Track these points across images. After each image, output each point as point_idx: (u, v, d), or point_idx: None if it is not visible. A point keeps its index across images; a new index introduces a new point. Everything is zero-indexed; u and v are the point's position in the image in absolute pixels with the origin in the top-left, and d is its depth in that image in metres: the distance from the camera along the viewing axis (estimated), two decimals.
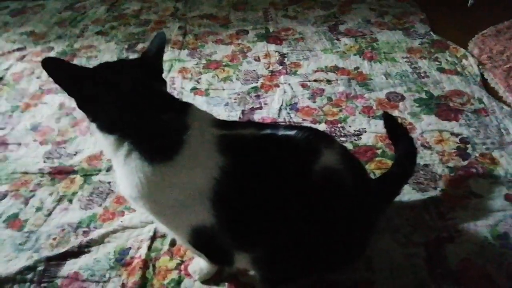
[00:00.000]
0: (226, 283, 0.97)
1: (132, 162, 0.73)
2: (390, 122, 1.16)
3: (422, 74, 1.56)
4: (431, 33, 1.80)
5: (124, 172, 0.76)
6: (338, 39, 1.82)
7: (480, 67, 1.57)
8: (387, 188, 1.03)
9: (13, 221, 1.16)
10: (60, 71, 0.74)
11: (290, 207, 0.76)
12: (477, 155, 1.21)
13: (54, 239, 1.10)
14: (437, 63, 1.61)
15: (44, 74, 1.75)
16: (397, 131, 1.13)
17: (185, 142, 0.73)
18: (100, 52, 1.88)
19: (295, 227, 0.77)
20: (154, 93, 0.78)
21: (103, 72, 0.78)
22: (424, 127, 1.33)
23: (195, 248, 0.85)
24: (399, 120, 1.28)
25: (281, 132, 0.80)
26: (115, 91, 0.75)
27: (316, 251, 0.80)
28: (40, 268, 1.03)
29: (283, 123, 1.38)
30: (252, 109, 1.47)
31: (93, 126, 0.78)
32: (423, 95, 1.46)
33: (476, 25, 1.79)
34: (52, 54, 1.90)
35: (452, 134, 1.29)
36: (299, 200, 0.75)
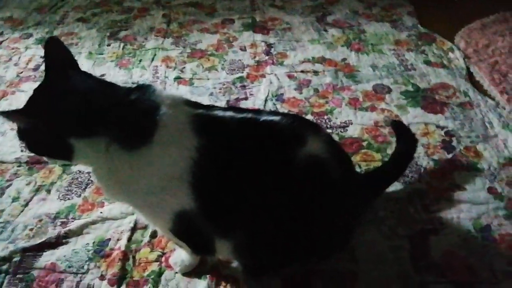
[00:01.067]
0: (208, 275, 0.95)
1: (112, 155, 0.71)
2: (399, 127, 1.17)
3: (409, 67, 1.55)
4: (419, 25, 1.80)
5: (105, 170, 0.74)
6: (325, 30, 1.80)
7: (466, 60, 1.57)
8: (376, 182, 1.04)
9: None
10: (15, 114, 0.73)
11: (270, 192, 0.74)
12: (461, 148, 1.22)
13: (31, 229, 1.07)
14: (424, 55, 1.61)
15: (22, 61, 1.69)
16: (403, 132, 1.14)
17: (158, 124, 0.71)
18: (81, 39, 1.82)
19: (275, 213, 0.75)
20: (103, 83, 0.78)
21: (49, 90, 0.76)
22: (410, 119, 1.32)
23: (176, 237, 0.83)
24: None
25: (264, 117, 0.78)
26: (74, 92, 0.73)
27: (297, 239, 0.79)
28: (16, 259, 1.00)
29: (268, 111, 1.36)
30: (238, 100, 1.44)
31: (73, 141, 0.72)
32: (410, 88, 1.45)
33: (463, 18, 1.80)
34: (31, 40, 1.83)
35: (438, 127, 1.29)
36: (280, 186, 0.74)
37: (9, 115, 0.74)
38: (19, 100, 1.50)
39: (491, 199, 1.07)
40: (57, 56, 0.78)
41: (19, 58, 1.71)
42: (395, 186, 1.10)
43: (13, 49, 1.78)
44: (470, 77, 1.50)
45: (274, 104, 1.41)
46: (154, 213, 0.80)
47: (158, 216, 0.80)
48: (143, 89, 0.76)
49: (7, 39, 1.84)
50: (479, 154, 1.19)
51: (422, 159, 1.19)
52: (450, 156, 1.19)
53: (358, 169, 1.16)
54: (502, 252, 0.95)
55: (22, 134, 0.77)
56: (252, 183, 0.74)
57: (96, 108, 0.71)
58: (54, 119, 0.71)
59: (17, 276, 0.97)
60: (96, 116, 0.71)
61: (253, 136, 0.76)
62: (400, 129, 1.17)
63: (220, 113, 0.78)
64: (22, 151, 1.29)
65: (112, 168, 0.73)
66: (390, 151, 1.21)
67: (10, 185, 1.19)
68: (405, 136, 1.13)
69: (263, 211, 0.75)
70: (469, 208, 1.05)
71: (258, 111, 0.87)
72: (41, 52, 1.74)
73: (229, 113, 0.78)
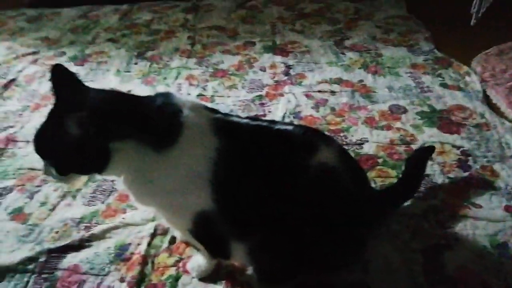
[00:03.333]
0: (224, 281, 0.97)
1: (144, 157, 0.76)
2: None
3: (425, 89, 1.58)
4: (435, 50, 1.83)
5: (136, 174, 0.78)
6: (343, 53, 1.85)
7: (482, 84, 1.59)
8: (391, 198, 1.05)
9: (18, 214, 1.18)
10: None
11: (283, 197, 0.77)
12: (478, 167, 1.22)
13: (57, 232, 1.12)
14: (440, 79, 1.64)
15: None
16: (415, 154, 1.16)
17: (183, 125, 0.76)
18: (111, 58, 1.93)
19: (289, 218, 0.77)
20: (119, 93, 0.84)
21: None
22: (426, 138, 1.34)
23: (195, 238, 0.86)
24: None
25: (278, 126, 0.82)
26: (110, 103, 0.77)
27: (310, 247, 0.81)
28: (42, 259, 1.04)
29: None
30: (257, 116, 1.49)
31: (112, 145, 0.75)
32: (426, 109, 1.48)
33: (480, 45, 1.83)
34: (64, 58, 1.95)
35: (454, 146, 1.30)
36: (293, 192, 0.77)
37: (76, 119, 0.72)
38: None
39: (508, 217, 1.07)
40: (64, 79, 0.80)
41: None
42: (410, 202, 1.11)
43: (47, 66, 1.89)
44: (486, 100, 1.51)
45: (292, 121, 1.45)
46: (176, 214, 0.84)
47: (180, 216, 0.83)
48: (164, 96, 0.81)
49: (42, 57, 1.97)
50: (495, 174, 1.20)
51: (438, 177, 1.20)
52: (466, 174, 1.20)
53: (373, 185, 1.18)
54: None
55: (55, 154, 0.79)
56: (266, 187, 0.77)
57: (127, 114, 0.76)
58: (102, 123, 0.73)
59: (42, 276, 1.01)
60: (128, 122, 0.76)
61: (268, 141, 0.80)
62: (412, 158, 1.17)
63: (236, 119, 0.83)
64: None
65: (142, 171, 0.77)
66: None
67: (39, 190, 1.25)
68: (415, 156, 1.15)
69: (275, 215, 0.78)
70: (485, 225, 1.05)
71: (272, 121, 0.91)
72: (73, 69, 1.84)
73: (245, 120, 0.83)
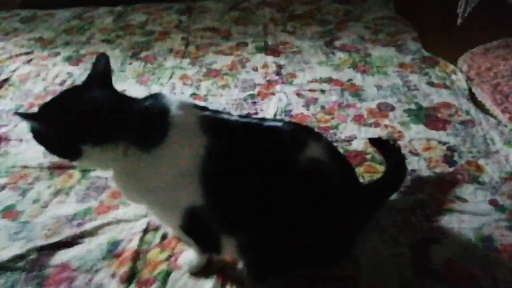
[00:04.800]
0: (215, 276, 0.98)
1: (131, 158, 0.78)
2: (378, 143, 1.24)
3: (412, 87, 1.61)
4: (422, 50, 1.87)
5: (123, 172, 0.80)
6: (333, 53, 1.88)
7: (468, 82, 1.62)
8: (377, 193, 1.08)
9: (10, 211, 1.18)
10: (32, 117, 0.79)
11: (271, 192, 0.78)
12: (463, 162, 1.25)
13: (49, 229, 1.12)
14: (427, 77, 1.67)
15: (49, 76, 1.81)
16: (386, 147, 1.20)
17: (170, 123, 0.77)
18: None
19: (279, 213, 0.79)
20: (121, 94, 0.85)
21: (68, 97, 0.83)
22: (413, 135, 1.37)
23: (185, 233, 0.87)
24: (387, 136, 1.36)
25: (268, 123, 0.84)
26: (90, 102, 0.79)
27: (299, 241, 0.82)
28: (32, 256, 1.05)
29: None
30: (249, 115, 1.51)
31: (87, 149, 0.78)
32: (413, 106, 1.51)
33: (466, 44, 1.86)
34: (59, 58, 1.96)
35: (440, 142, 1.33)
36: (281, 186, 0.78)
37: (23, 117, 0.79)
38: None
39: (493, 211, 1.09)
40: (99, 69, 0.86)
41: (47, 74, 1.84)
42: (397, 197, 1.14)
43: (41, 65, 1.90)
44: (472, 98, 1.55)
45: (283, 119, 1.48)
46: (166, 210, 0.85)
47: (170, 212, 0.85)
48: (154, 96, 0.83)
49: (36, 57, 1.98)
50: (480, 169, 1.22)
51: (424, 172, 1.22)
52: (451, 169, 1.23)
53: (361, 180, 1.20)
54: (505, 261, 0.96)
55: (34, 134, 0.82)
56: (254, 182, 0.78)
57: (111, 117, 0.78)
58: (63, 127, 0.77)
59: (33, 273, 1.01)
60: (111, 125, 0.78)
61: (256, 137, 0.81)
62: (380, 145, 1.23)
63: (226, 116, 0.84)
64: (44, 157, 1.37)
65: (131, 170, 0.79)
66: None
67: (32, 188, 1.26)
68: (388, 150, 1.19)
69: (265, 210, 0.79)
70: (470, 219, 1.07)
71: (262, 118, 0.93)
72: (67, 69, 1.87)
73: (234, 117, 0.85)
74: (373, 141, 1.27)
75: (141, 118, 0.79)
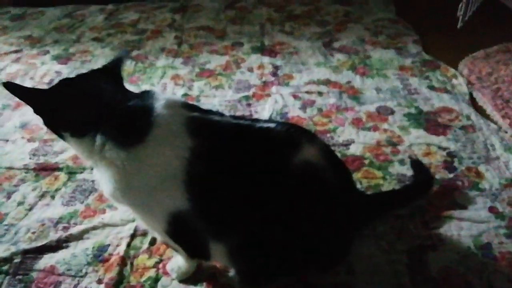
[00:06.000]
0: (204, 283, 0.95)
1: (107, 153, 0.75)
2: (418, 166, 1.21)
3: (413, 91, 1.58)
4: (423, 53, 1.83)
5: (102, 167, 0.77)
6: (331, 55, 1.85)
7: (469, 86, 1.59)
8: (380, 202, 1.06)
9: None
10: (21, 94, 0.80)
11: (262, 196, 0.75)
12: (463, 168, 1.22)
13: (33, 233, 1.09)
14: (428, 81, 1.64)
15: (37, 75, 1.77)
16: (422, 171, 1.17)
17: (153, 123, 0.74)
18: (95, 57, 1.90)
19: (268, 217, 0.75)
20: (116, 88, 0.82)
21: (62, 85, 0.83)
22: (413, 140, 1.34)
23: (172, 239, 0.83)
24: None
25: (260, 124, 0.80)
26: (77, 94, 0.80)
27: (292, 247, 0.79)
28: (17, 260, 1.02)
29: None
30: (243, 116, 1.47)
31: (67, 136, 0.81)
32: (413, 110, 1.47)
33: (467, 48, 1.84)
34: (48, 56, 1.91)
35: (440, 148, 1.30)
36: (273, 190, 0.74)
37: (11, 90, 0.79)
38: (32, 111, 1.55)
39: (492, 218, 1.06)
40: (114, 63, 0.88)
41: (35, 72, 1.79)
42: None
43: (30, 64, 1.86)
44: (473, 103, 1.52)
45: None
46: (149, 214, 0.81)
47: (154, 216, 0.81)
48: (145, 93, 0.80)
49: (25, 55, 1.93)
50: (480, 175, 1.19)
51: None
52: (451, 175, 1.19)
53: (359, 185, 1.17)
54: (503, 270, 0.94)
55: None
56: (244, 186, 0.75)
57: (88, 111, 0.78)
58: (52, 115, 0.80)
59: (17, 277, 0.98)
60: (87, 119, 0.77)
61: (247, 139, 0.78)
62: (418, 167, 1.20)
63: (216, 117, 0.80)
64: (30, 158, 1.33)
65: (108, 167, 0.75)
66: (391, 169, 1.22)
67: (17, 190, 1.22)
68: (423, 175, 1.16)
69: (255, 215, 0.75)
70: (469, 226, 1.04)
71: (255, 119, 0.89)
72: (56, 67, 1.82)
73: (225, 118, 0.81)
74: (414, 163, 1.23)
75: (122, 114, 0.76)
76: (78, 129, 0.79)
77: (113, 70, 0.87)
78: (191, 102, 0.86)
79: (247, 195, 0.74)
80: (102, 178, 0.79)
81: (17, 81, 1.73)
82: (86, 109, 0.78)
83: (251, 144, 0.77)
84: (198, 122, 0.77)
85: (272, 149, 0.77)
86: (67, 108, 0.79)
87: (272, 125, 0.80)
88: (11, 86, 0.78)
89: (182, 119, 0.76)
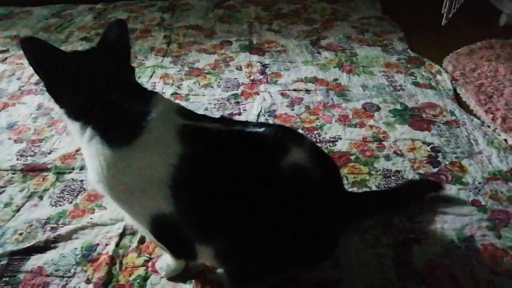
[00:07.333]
0: (193, 280, 0.95)
1: (93, 147, 0.75)
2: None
3: (398, 87, 1.60)
4: (408, 50, 1.86)
5: (87, 156, 0.77)
6: (319, 53, 1.87)
7: (453, 82, 1.62)
8: (367, 202, 1.08)
9: None
10: (39, 52, 0.74)
11: (250, 200, 0.76)
12: (447, 163, 1.24)
13: (21, 234, 1.08)
14: (413, 77, 1.66)
15: (25, 76, 1.76)
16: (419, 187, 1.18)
17: (144, 128, 0.74)
18: None
19: (256, 220, 0.77)
20: (118, 81, 0.79)
21: (75, 60, 0.80)
22: (398, 135, 1.36)
23: (156, 239, 0.84)
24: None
25: (250, 129, 0.81)
26: (82, 79, 0.77)
27: (279, 246, 0.80)
28: (3, 262, 1.01)
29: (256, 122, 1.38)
30: (231, 114, 1.48)
31: (63, 112, 0.79)
32: (398, 107, 1.49)
33: (451, 45, 1.87)
34: None
35: (424, 143, 1.32)
36: (261, 194, 0.76)
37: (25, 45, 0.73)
38: (19, 111, 1.54)
39: (475, 211, 1.08)
40: (114, 36, 0.83)
41: (22, 73, 1.78)
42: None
43: (17, 64, 1.84)
44: (456, 98, 1.54)
45: (267, 119, 1.45)
46: (132, 212, 0.82)
47: (137, 215, 0.81)
48: (148, 95, 0.80)
49: (12, 55, 1.92)
50: (464, 169, 1.22)
51: (408, 172, 1.21)
52: (435, 170, 1.22)
53: (345, 181, 1.18)
54: (485, 261, 0.96)
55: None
56: (233, 192, 0.75)
57: (89, 99, 0.76)
58: (50, 78, 0.77)
59: (3, 279, 0.97)
60: (85, 109, 0.76)
61: (236, 146, 0.78)
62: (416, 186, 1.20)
63: (208, 124, 0.80)
64: (17, 159, 1.32)
65: (94, 157, 0.75)
66: (377, 165, 1.24)
67: (4, 191, 1.21)
68: (418, 187, 1.18)
69: (243, 219, 0.77)
70: (453, 219, 1.06)
71: (245, 123, 0.90)
72: None
73: (216, 125, 0.80)
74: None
75: (117, 113, 0.76)
76: (73, 112, 0.77)
77: (119, 48, 0.83)
78: (187, 108, 0.84)
79: (235, 200, 0.75)
80: (88, 165, 0.79)
81: (3, 82, 1.72)
82: (85, 97, 0.76)
83: (240, 151, 0.78)
84: (189, 130, 0.77)
85: (259, 154, 0.78)
86: (71, 87, 0.76)
87: (260, 129, 0.81)
88: (30, 42, 0.73)
89: (174, 126, 0.77)
